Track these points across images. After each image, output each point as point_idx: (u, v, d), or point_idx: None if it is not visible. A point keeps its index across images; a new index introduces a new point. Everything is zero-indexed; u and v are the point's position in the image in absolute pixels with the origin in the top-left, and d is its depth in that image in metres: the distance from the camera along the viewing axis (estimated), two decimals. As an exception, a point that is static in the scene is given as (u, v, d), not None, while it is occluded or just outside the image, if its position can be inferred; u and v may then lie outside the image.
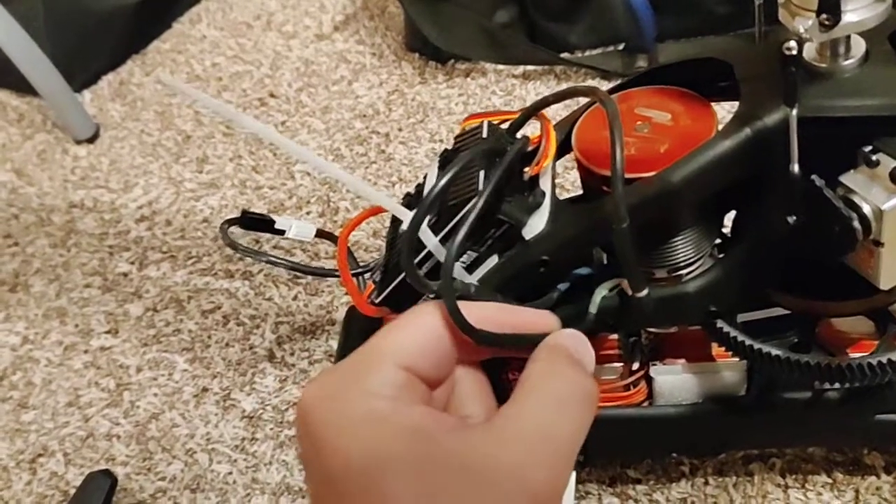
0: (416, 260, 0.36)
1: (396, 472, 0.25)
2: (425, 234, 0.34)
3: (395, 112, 0.78)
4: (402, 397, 0.27)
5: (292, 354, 0.59)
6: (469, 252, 0.36)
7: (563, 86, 0.76)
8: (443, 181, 0.30)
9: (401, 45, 0.85)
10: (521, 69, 0.79)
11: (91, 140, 0.83)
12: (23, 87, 0.85)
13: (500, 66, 0.79)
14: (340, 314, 0.61)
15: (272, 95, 0.84)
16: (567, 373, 0.28)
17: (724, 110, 0.37)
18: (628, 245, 0.31)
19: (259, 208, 0.72)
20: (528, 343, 0.29)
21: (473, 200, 0.32)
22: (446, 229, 0.35)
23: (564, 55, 0.77)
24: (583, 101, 0.38)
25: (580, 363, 0.29)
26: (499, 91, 0.77)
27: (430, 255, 0.36)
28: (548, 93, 0.75)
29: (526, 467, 0.25)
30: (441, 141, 0.74)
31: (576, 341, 0.30)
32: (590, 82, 0.75)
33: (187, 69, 0.90)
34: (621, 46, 0.77)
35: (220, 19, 0.97)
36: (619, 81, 0.39)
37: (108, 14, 0.90)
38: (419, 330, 0.28)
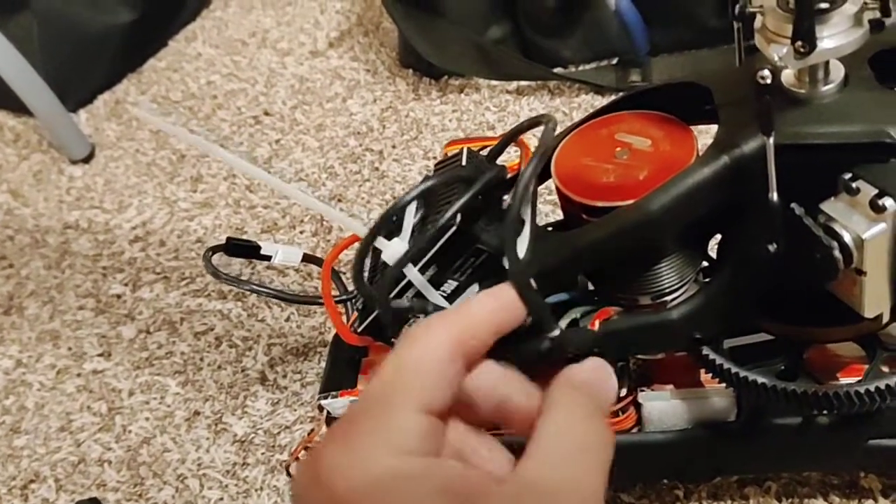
0: (397, 289, 0.35)
1: None
2: (387, 248, 0.34)
3: (389, 129, 0.78)
4: (429, 449, 0.26)
5: (284, 377, 0.59)
6: (450, 281, 0.36)
7: (557, 101, 0.75)
8: (405, 198, 0.30)
9: (395, 61, 0.85)
10: (514, 85, 0.78)
11: (86, 160, 0.83)
12: (18, 107, 0.85)
13: (494, 82, 0.79)
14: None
15: (267, 113, 0.84)
16: (584, 423, 0.27)
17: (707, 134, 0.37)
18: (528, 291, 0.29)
19: (253, 227, 0.72)
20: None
21: (438, 220, 0.32)
22: (425, 259, 0.35)
23: (558, 70, 0.77)
24: (572, 120, 0.37)
25: (597, 404, 0.28)
26: (492, 107, 0.77)
27: (410, 284, 0.35)
28: (542, 108, 0.75)
29: None
30: (435, 157, 0.74)
31: (593, 375, 0.28)
32: (583, 97, 0.75)
33: (182, 87, 0.90)
34: (615, 61, 0.77)
35: (216, 37, 0.97)
36: (612, 96, 0.38)
37: (103, 33, 0.90)
38: (434, 360, 0.26)
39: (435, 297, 0.35)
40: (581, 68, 0.78)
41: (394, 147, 0.76)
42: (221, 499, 0.53)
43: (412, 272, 0.34)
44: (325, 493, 0.25)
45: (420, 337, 0.27)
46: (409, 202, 0.32)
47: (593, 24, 0.76)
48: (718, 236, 0.38)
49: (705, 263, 0.38)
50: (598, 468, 0.26)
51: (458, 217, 0.33)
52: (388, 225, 0.33)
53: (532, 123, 0.36)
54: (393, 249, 0.35)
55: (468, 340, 0.27)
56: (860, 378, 0.36)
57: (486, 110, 0.77)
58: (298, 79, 0.87)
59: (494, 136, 0.38)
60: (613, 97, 0.38)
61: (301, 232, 0.70)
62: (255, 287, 0.45)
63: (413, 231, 0.36)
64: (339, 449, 0.25)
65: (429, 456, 0.25)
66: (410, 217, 0.37)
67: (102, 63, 0.91)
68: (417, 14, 0.80)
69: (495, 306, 0.29)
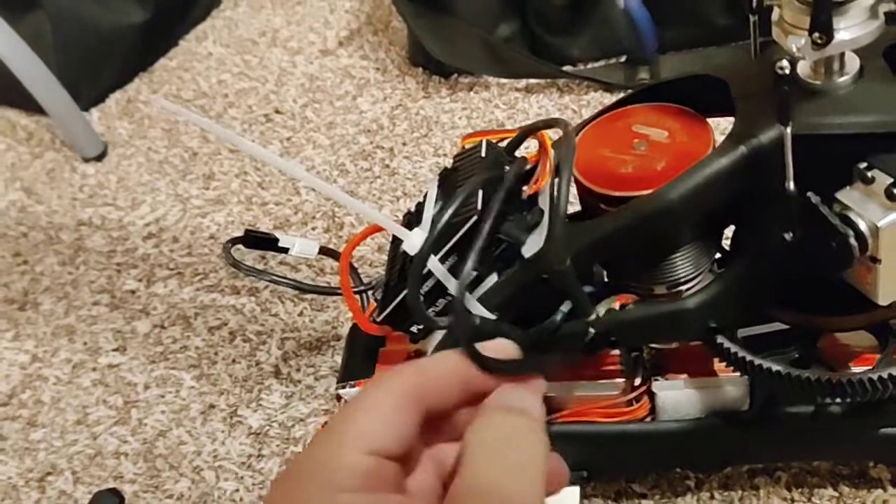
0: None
1: None
2: (408, 238, 0.35)
3: (400, 127, 0.78)
4: (369, 486, 0.26)
5: (298, 370, 0.60)
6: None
7: (566, 99, 0.76)
8: (447, 215, 0.30)
9: (404, 59, 0.86)
10: (523, 83, 0.79)
11: (99, 158, 0.84)
12: (31, 106, 0.86)
13: (503, 80, 0.79)
14: (346, 330, 0.61)
15: (277, 111, 0.84)
16: (515, 434, 0.27)
17: (721, 128, 0.37)
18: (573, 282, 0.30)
19: (265, 224, 0.72)
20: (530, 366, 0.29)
21: (478, 227, 0.32)
22: (445, 249, 0.35)
23: (567, 68, 0.78)
24: (581, 118, 0.38)
25: (524, 415, 0.28)
26: (502, 105, 0.77)
27: (429, 273, 0.36)
28: (551, 106, 0.75)
29: None
30: (445, 155, 0.74)
31: (517, 394, 0.28)
32: (592, 95, 0.76)
33: (194, 86, 0.91)
34: (623, 58, 0.77)
35: (226, 36, 0.98)
36: (620, 94, 0.39)
37: (115, 33, 0.91)
38: (382, 406, 0.27)
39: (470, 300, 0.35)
40: (590, 66, 0.79)
41: (404, 144, 0.76)
42: (237, 490, 0.53)
43: (435, 264, 0.34)
44: None
45: (378, 384, 0.28)
46: (451, 220, 0.33)
47: (602, 21, 0.76)
48: (731, 228, 0.38)
49: (718, 255, 0.39)
50: (533, 480, 0.26)
51: (479, 207, 0.34)
52: (440, 242, 0.34)
53: (547, 124, 0.37)
54: (414, 240, 0.35)
55: (426, 393, 0.28)
56: (873, 366, 0.36)
57: (495, 108, 0.77)
58: (309, 77, 0.88)
59: (512, 129, 0.39)
60: (623, 94, 0.38)
61: (313, 228, 0.71)
62: (274, 277, 0.45)
63: (433, 222, 0.37)
64: (282, 489, 0.26)
65: (373, 492, 0.26)
66: (430, 209, 0.38)
67: (114, 62, 0.92)
68: (427, 12, 0.81)
69: (459, 363, 0.29)
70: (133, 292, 0.69)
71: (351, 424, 0.27)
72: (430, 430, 0.29)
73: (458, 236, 0.35)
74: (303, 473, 0.26)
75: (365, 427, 0.26)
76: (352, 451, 0.26)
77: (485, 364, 0.28)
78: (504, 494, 0.25)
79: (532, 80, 0.79)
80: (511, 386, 0.29)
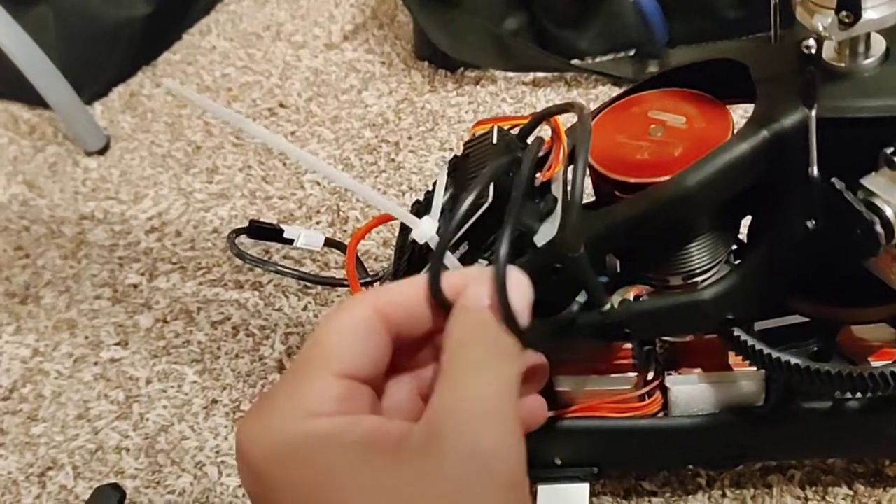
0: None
1: (353, 492, 0.24)
2: (417, 226, 0.34)
3: (405, 121, 0.78)
4: (345, 410, 0.25)
5: (302, 365, 0.59)
6: (480, 260, 0.35)
7: (574, 93, 0.75)
8: (467, 202, 0.29)
9: (410, 53, 0.85)
10: (530, 76, 0.78)
11: (102, 152, 0.83)
12: (34, 99, 0.85)
13: (510, 74, 0.79)
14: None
15: (282, 105, 0.84)
16: (480, 335, 0.26)
17: (739, 114, 0.36)
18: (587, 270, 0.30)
19: (269, 218, 0.72)
20: None
21: (506, 214, 0.31)
22: (455, 237, 0.34)
23: (575, 62, 0.77)
24: (595, 105, 0.37)
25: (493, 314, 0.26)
26: (509, 98, 0.77)
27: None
28: (558, 100, 0.74)
29: (472, 438, 0.24)
30: (451, 149, 0.73)
31: (484, 288, 0.26)
32: (600, 88, 0.75)
33: (197, 80, 0.90)
34: (632, 52, 0.77)
35: (230, 30, 0.97)
36: (630, 86, 0.38)
37: (119, 26, 0.90)
38: (353, 329, 0.26)
39: None
40: (598, 60, 0.78)
41: (410, 138, 0.76)
42: (239, 486, 0.53)
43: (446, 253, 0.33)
44: (246, 464, 0.25)
45: (344, 308, 0.27)
46: (472, 208, 0.32)
47: (611, 14, 0.76)
48: (748, 219, 0.38)
49: (735, 246, 0.38)
50: (499, 375, 0.25)
51: (491, 193, 0.33)
52: (454, 233, 0.33)
53: (561, 109, 0.36)
54: (423, 228, 0.35)
55: (393, 312, 0.27)
56: (894, 360, 0.35)
57: (502, 102, 0.77)
58: (313, 71, 0.87)
59: (523, 116, 0.38)
60: (634, 85, 0.37)
61: (317, 223, 0.70)
62: (280, 268, 0.44)
63: (443, 210, 0.36)
64: (254, 420, 0.25)
65: (346, 415, 0.25)
66: (440, 196, 0.37)
67: (118, 56, 0.91)
68: (433, 5, 0.80)
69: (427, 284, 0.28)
70: (135, 286, 0.68)
71: (320, 349, 0.26)
72: (408, 356, 0.28)
73: (468, 224, 0.34)
74: (275, 402, 0.26)
75: (334, 350, 0.26)
76: (322, 376, 0.25)
77: (439, 299, 0.27)
78: (478, 414, 0.24)
79: (539, 74, 0.78)
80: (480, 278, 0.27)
